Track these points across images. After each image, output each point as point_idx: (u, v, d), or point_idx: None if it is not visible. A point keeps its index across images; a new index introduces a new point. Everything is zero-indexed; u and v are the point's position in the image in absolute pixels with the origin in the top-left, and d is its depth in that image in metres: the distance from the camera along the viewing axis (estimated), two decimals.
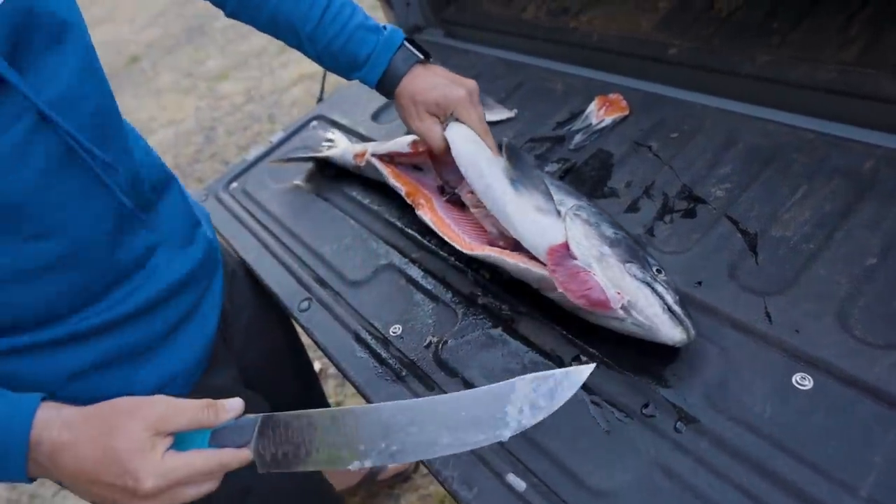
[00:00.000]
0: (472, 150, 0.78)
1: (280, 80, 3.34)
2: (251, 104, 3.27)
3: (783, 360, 0.59)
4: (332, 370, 1.80)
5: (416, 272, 0.84)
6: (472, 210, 0.81)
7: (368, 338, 0.78)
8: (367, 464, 0.51)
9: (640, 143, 0.89)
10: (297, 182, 1.10)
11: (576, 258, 0.65)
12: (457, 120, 0.80)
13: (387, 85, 0.82)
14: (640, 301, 0.61)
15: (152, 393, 0.55)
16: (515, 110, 1.04)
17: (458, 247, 0.78)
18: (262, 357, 1.00)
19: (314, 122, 1.26)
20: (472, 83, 0.81)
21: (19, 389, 0.55)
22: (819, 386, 0.56)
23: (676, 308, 0.61)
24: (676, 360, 0.63)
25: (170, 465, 0.50)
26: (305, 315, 0.85)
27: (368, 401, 0.71)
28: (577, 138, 0.94)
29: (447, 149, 0.80)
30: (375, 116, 1.19)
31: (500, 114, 1.04)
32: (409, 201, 0.88)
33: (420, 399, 0.53)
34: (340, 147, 1.08)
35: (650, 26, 1.06)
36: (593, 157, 0.90)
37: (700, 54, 0.95)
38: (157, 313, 0.71)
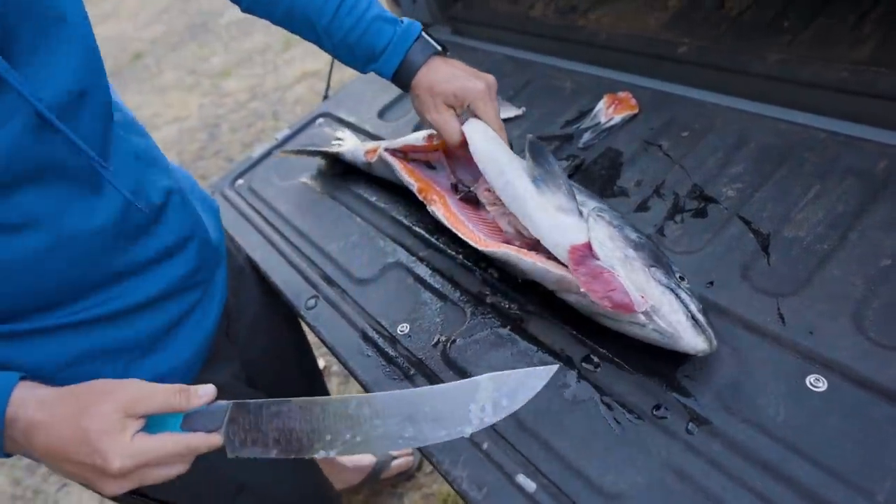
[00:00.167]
0: (491, 146, 0.77)
1: (284, 77, 3.34)
2: (255, 101, 3.27)
3: (797, 362, 0.58)
4: (335, 368, 1.80)
5: (423, 270, 0.84)
6: (489, 208, 0.79)
7: (376, 336, 0.78)
8: (332, 454, 0.53)
9: (650, 141, 0.88)
10: (304, 179, 1.10)
11: (598, 259, 0.64)
12: (474, 115, 0.80)
13: (403, 76, 0.81)
14: (664, 307, 0.59)
15: None
16: (524, 108, 1.04)
17: (472, 243, 0.76)
18: (266, 353, 0.99)
19: (320, 119, 1.25)
20: (490, 77, 0.80)
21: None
22: (833, 388, 0.56)
23: (700, 317, 0.59)
24: (688, 362, 0.62)
25: (139, 447, 0.52)
26: (312, 313, 0.85)
27: None
28: (586, 137, 0.93)
29: (463, 143, 0.79)
30: (381, 114, 1.19)
31: (508, 112, 1.03)
32: (420, 198, 0.87)
33: (385, 393, 0.54)
34: (351, 144, 1.07)
35: (659, 25, 1.05)
36: (602, 155, 0.90)
37: (710, 53, 0.94)
38: (156, 310, 0.70)
